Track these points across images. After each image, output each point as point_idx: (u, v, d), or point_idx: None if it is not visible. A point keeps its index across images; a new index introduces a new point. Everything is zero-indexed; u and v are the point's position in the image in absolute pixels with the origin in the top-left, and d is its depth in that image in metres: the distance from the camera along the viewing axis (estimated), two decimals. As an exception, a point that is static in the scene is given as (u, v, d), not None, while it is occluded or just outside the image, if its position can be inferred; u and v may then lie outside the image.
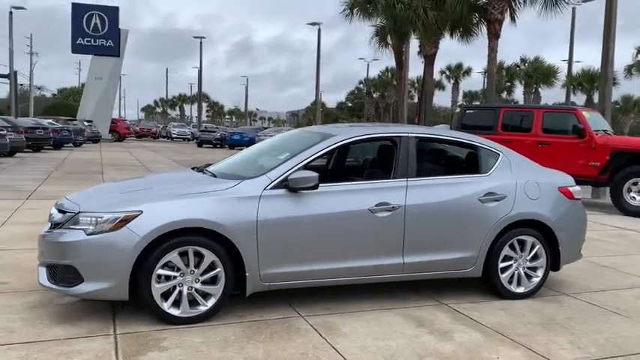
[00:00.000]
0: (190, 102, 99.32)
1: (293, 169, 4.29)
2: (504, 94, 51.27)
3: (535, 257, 5.01)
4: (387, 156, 4.80)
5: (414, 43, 23.62)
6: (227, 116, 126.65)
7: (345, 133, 4.72)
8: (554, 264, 5.12)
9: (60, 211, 4.23)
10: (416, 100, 59.16)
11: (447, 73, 53.29)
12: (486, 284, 4.99)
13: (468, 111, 13.77)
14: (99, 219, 3.87)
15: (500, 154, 5.08)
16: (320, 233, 4.29)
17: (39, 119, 28.42)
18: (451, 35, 21.42)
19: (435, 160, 5.36)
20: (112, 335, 3.76)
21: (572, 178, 5.41)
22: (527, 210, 4.90)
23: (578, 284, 5.59)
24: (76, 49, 40.47)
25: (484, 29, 19.33)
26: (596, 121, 11.91)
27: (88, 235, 3.85)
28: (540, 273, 5.04)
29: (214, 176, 4.57)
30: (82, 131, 32.64)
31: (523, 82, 47.70)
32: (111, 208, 3.95)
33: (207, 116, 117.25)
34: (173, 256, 3.93)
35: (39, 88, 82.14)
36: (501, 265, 4.88)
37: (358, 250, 4.42)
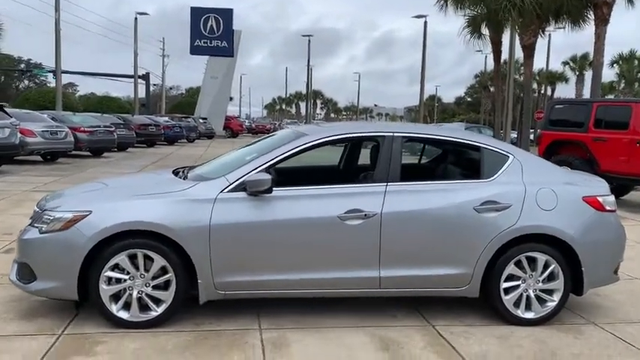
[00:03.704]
0: (305, 99, 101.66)
1: (253, 171, 4.02)
2: (636, 85, 45.94)
3: (550, 278, 4.26)
4: (369, 158, 4.33)
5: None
6: (344, 113, 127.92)
7: (318, 132, 4.34)
8: (576, 287, 4.33)
9: (39, 208, 4.34)
10: (543, 92, 55.28)
11: (571, 64, 48.90)
12: (489, 306, 4.35)
13: (556, 106, 12.38)
14: (52, 218, 3.89)
15: (510, 156, 4.38)
16: (282, 241, 3.97)
17: (154, 117, 30.58)
18: (556, 22, 19.56)
19: (428, 163, 4.78)
20: (56, 335, 3.76)
21: (607, 186, 4.54)
22: (538, 222, 4.17)
23: (619, 311, 4.69)
24: (194, 50, 42.79)
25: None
26: None
27: (41, 233, 3.88)
28: (557, 297, 4.28)
29: (185, 178, 4.41)
30: (195, 128, 34.60)
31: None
32: (65, 208, 3.95)
33: (325, 113, 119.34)
34: (121, 259, 3.85)
35: (171, 88, 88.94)
36: (504, 285, 4.21)
37: (326, 261, 4.04)
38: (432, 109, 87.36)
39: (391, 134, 4.29)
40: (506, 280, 4.22)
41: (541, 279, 4.24)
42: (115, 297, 3.91)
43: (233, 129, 45.08)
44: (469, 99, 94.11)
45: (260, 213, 3.94)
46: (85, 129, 18.61)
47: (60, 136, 16.37)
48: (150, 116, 30.61)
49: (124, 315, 3.90)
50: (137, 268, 3.89)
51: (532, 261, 4.22)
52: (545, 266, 4.23)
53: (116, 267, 3.87)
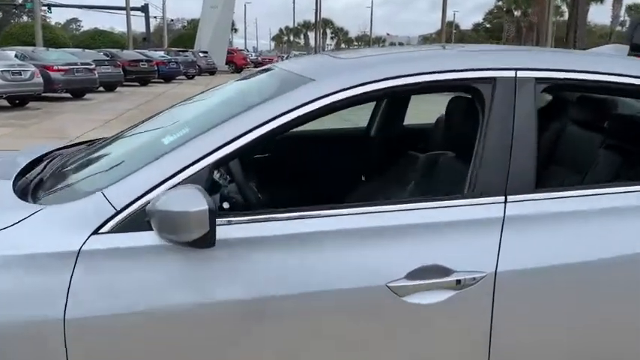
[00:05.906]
0: (313, 29, 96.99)
1: (168, 182, 1.60)
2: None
3: None
4: (455, 136, 1.89)
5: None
6: (355, 43, 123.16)
7: (335, 76, 1.83)
8: None
9: None
10: (567, 17, 51.06)
11: (608, -19, 44.38)
12: None
13: (641, 24, 9.57)
14: None
15: None
16: (256, 350, 1.62)
17: (146, 52, 27.76)
18: None
19: (590, 143, 2.31)
20: None
21: None
22: None
23: None
24: (191, -24, 39.38)
25: None
26: None
27: None
28: None
29: (34, 188, 1.97)
30: (194, 63, 31.69)
31: None
32: None
33: (335, 43, 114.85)
34: None
35: (172, 20, 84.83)
36: None
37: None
38: (449, 36, 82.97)
39: (511, 74, 1.80)
40: None
41: None
42: None
43: (237, 63, 41.93)
44: (487, 25, 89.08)
45: (193, 287, 1.57)
46: (60, 67, 16.07)
47: (24, 77, 13.89)
48: (142, 51, 27.78)
49: None
50: None
51: None
52: None
53: None
